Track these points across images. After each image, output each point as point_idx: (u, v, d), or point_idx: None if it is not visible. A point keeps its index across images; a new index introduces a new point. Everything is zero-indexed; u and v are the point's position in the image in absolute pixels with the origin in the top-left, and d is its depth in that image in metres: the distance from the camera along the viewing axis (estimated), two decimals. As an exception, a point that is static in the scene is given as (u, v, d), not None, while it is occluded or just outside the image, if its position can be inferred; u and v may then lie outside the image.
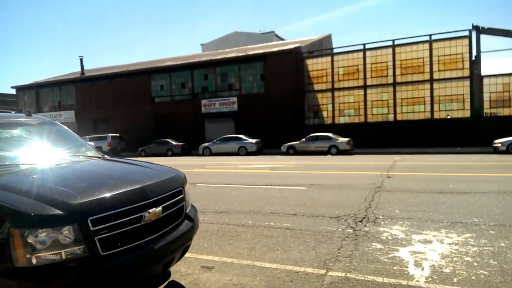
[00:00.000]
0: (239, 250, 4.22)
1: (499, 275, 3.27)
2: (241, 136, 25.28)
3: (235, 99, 30.04)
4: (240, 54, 31.24)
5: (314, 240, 4.47)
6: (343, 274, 3.39)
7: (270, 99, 28.55)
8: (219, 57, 32.55)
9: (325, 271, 3.49)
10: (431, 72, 25.29)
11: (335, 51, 29.23)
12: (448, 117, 24.95)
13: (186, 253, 3.27)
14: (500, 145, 18.46)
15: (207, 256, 4.04)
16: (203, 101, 31.23)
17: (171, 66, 33.46)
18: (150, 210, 2.49)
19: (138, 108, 33.71)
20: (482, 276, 3.25)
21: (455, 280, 3.20)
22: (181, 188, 3.02)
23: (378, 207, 6.21)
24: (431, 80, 25.32)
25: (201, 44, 55.09)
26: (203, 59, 33.58)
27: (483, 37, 24.17)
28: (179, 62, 33.91)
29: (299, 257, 3.89)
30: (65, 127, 4.15)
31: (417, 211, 5.85)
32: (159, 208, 2.58)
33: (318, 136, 23.17)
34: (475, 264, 3.55)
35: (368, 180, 9.48)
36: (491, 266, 3.47)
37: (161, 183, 2.84)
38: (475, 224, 4.96)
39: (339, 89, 27.99)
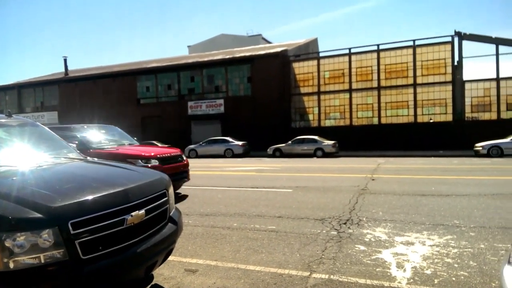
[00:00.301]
0: (224, 252, 4.20)
1: (478, 276, 3.34)
2: (228, 138, 25.24)
3: (221, 101, 29.99)
4: (227, 57, 31.23)
5: (299, 242, 4.49)
6: (327, 276, 3.41)
7: (257, 102, 28.61)
8: (206, 59, 32.46)
9: (309, 273, 3.51)
10: (415, 76, 25.79)
11: (321, 55, 29.55)
12: (431, 121, 25.47)
13: (170, 256, 3.25)
14: (481, 148, 18.94)
15: (191, 259, 4.01)
16: (190, 103, 31.07)
17: (157, 67, 33.19)
18: (133, 213, 2.46)
19: (123, 109, 33.29)
20: (462, 277, 3.32)
21: (436, 281, 3.25)
22: (165, 190, 2.99)
23: (362, 209, 6.29)
24: (415, 85, 25.82)
25: (188, 46, 54.80)
26: (190, 60, 33.41)
27: (465, 43, 24.81)
28: (165, 64, 33.68)
29: (283, 260, 3.90)
30: (47, 128, 4.08)
31: (400, 213, 5.94)
32: (142, 211, 2.55)
33: (304, 138, 23.34)
34: (456, 265, 3.62)
35: (352, 183, 9.59)
36: (471, 267, 3.55)
37: (145, 186, 2.81)
38: (456, 226, 5.06)
39: (325, 92, 28.27)
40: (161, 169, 6.90)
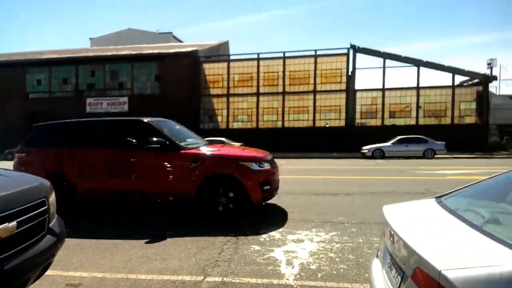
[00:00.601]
0: (114, 263, 3.97)
1: (355, 268, 3.71)
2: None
3: (125, 99, 28.37)
4: (134, 52, 29.69)
5: (196, 247, 4.48)
6: (220, 279, 3.47)
7: (164, 101, 27.75)
8: (109, 53, 30.36)
9: (203, 277, 3.53)
10: (315, 84, 27.96)
11: (231, 57, 30.03)
12: (327, 125, 27.89)
13: (49, 271, 2.95)
14: (366, 151, 21.42)
15: (74, 273, 3.70)
16: (89, 100, 28.70)
17: (51, 59, 29.95)
18: (1, 226, 2.19)
19: (8, 104, 29.22)
20: (342, 270, 3.65)
21: (319, 275, 3.53)
22: (44, 199, 2.71)
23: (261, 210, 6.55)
24: (314, 92, 27.97)
25: (90, 38, 50.66)
26: (91, 54, 30.89)
27: (358, 55, 27.72)
28: (61, 56, 30.55)
29: (178, 266, 3.85)
30: None
31: (294, 212, 6.35)
32: (13, 223, 2.28)
33: (212, 140, 23.23)
34: (337, 259, 3.97)
35: (255, 184, 9.90)
36: (350, 261, 3.92)
37: (18, 194, 2.51)
38: (341, 223, 5.58)
39: (234, 95, 28.82)
40: (273, 173, 6.21)
